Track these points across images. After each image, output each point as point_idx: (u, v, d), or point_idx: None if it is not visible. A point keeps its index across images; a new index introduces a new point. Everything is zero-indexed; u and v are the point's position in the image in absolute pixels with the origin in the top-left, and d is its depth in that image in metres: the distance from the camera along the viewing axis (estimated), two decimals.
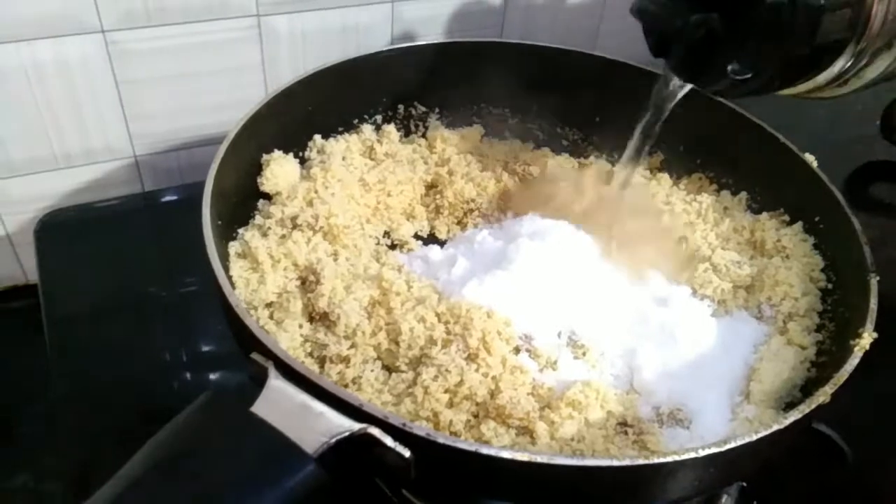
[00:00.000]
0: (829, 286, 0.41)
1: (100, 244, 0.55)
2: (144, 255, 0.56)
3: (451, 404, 0.34)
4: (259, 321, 0.37)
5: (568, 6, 0.68)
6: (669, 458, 0.26)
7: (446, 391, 0.34)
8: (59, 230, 0.55)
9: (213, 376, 0.48)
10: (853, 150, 0.73)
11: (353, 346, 0.35)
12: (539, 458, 0.26)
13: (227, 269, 0.37)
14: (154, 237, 0.58)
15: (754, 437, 0.28)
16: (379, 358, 0.36)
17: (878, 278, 0.36)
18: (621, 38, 0.72)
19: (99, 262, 0.54)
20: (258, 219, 0.42)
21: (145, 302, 0.52)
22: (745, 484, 0.42)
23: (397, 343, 0.35)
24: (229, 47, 0.57)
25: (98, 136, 0.57)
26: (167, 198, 0.59)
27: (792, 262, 0.43)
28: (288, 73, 0.60)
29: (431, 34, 0.62)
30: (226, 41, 0.56)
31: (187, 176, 0.61)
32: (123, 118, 0.57)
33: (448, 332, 0.35)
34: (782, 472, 0.44)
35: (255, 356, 0.28)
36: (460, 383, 0.34)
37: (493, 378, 0.35)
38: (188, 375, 0.48)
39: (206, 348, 0.49)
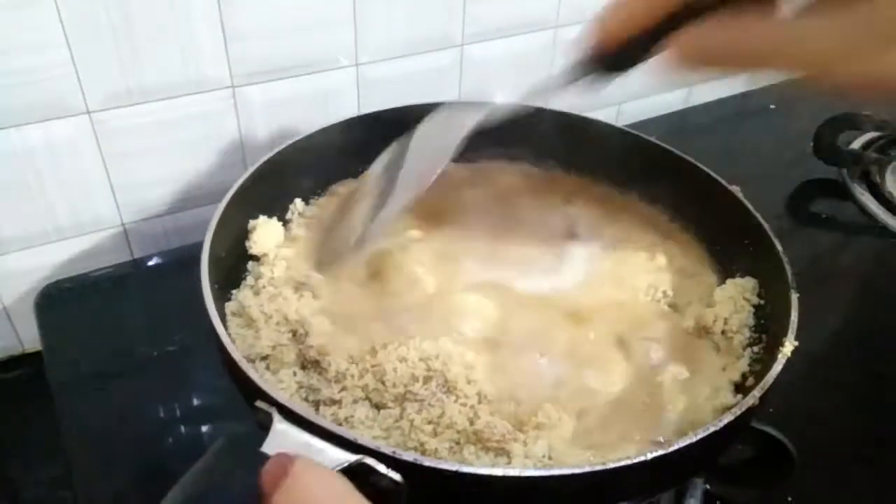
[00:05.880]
0: (762, 303, 0.46)
1: (95, 311, 0.59)
2: (136, 317, 0.60)
3: (434, 433, 0.38)
4: (258, 372, 0.40)
5: (518, 60, 0.73)
6: (622, 463, 0.31)
7: (429, 423, 0.38)
8: (58, 301, 0.59)
9: (204, 428, 0.52)
10: (791, 171, 0.80)
11: (343, 388, 0.39)
12: (511, 472, 0.30)
13: (225, 328, 0.41)
14: (143, 300, 0.61)
15: (694, 440, 0.32)
16: (367, 398, 0.40)
17: (798, 295, 0.41)
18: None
19: (95, 328, 0.58)
20: (249, 279, 0.46)
21: (139, 362, 0.55)
22: (708, 486, 0.47)
23: (383, 382, 0.40)
24: (208, 118, 0.61)
25: (87, 209, 0.60)
26: (153, 262, 0.63)
27: (726, 283, 0.48)
28: (264, 137, 0.64)
29: (395, 93, 0.68)
30: (204, 113, 0.61)
31: (173, 240, 0.65)
32: (111, 190, 0.60)
33: (428, 369, 0.40)
34: (743, 474, 0.49)
35: (259, 404, 0.32)
36: (441, 415, 0.38)
37: (472, 407, 0.39)
38: (183, 429, 0.51)
39: (197, 402, 0.53)
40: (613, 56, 0.35)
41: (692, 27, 0.31)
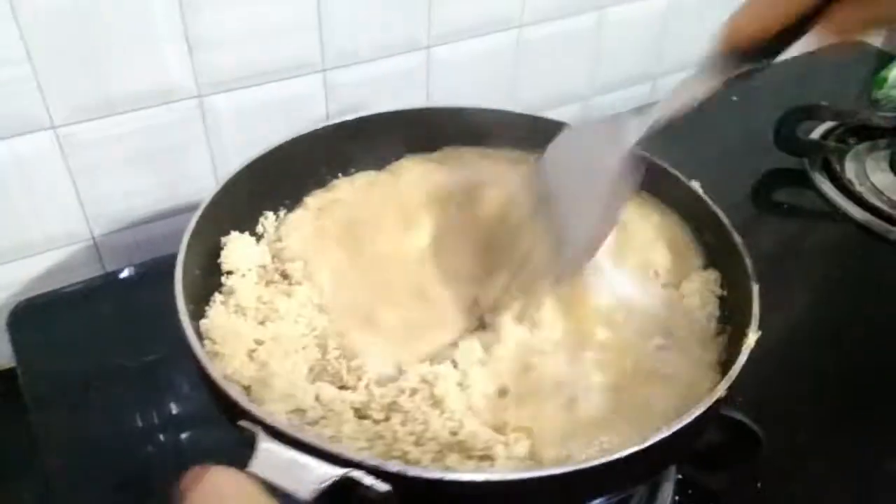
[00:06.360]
0: (726, 294, 0.48)
1: (69, 326, 0.59)
2: (111, 330, 0.60)
3: (417, 443, 0.38)
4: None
5: (484, 60, 0.74)
6: (595, 462, 0.32)
7: (412, 434, 0.38)
8: (31, 318, 0.58)
9: (183, 436, 0.52)
10: (754, 161, 0.82)
11: (330, 410, 0.39)
12: (492, 477, 0.32)
13: (202, 344, 0.41)
14: (117, 313, 0.61)
15: (667, 433, 0.34)
16: (354, 409, 0.40)
17: (758, 286, 0.43)
18: (541, 89, 0.79)
19: (70, 342, 0.58)
20: (223, 295, 0.46)
21: (116, 374, 0.56)
22: (680, 476, 0.49)
23: (373, 393, 0.40)
24: (175, 127, 0.61)
25: (57, 223, 0.60)
26: (125, 274, 0.63)
27: (692, 276, 0.49)
28: (231, 145, 0.64)
29: (363, 97, 0.68)
30: (171, 122, 0.60)
31: (145, 251, 0.65)
32: (79, 203, 0.60)
33: (422, 381, 0.40)
34: (714, 459, 0.51)
35: (243, 423, 0.32)
36: (425, 429, 0.38)
37: (458, 421, 0.39)
38: (161, 437, 0.52)
39: (176, 411, 0.54)
40: (749, 52, 0.34)
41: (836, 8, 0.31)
